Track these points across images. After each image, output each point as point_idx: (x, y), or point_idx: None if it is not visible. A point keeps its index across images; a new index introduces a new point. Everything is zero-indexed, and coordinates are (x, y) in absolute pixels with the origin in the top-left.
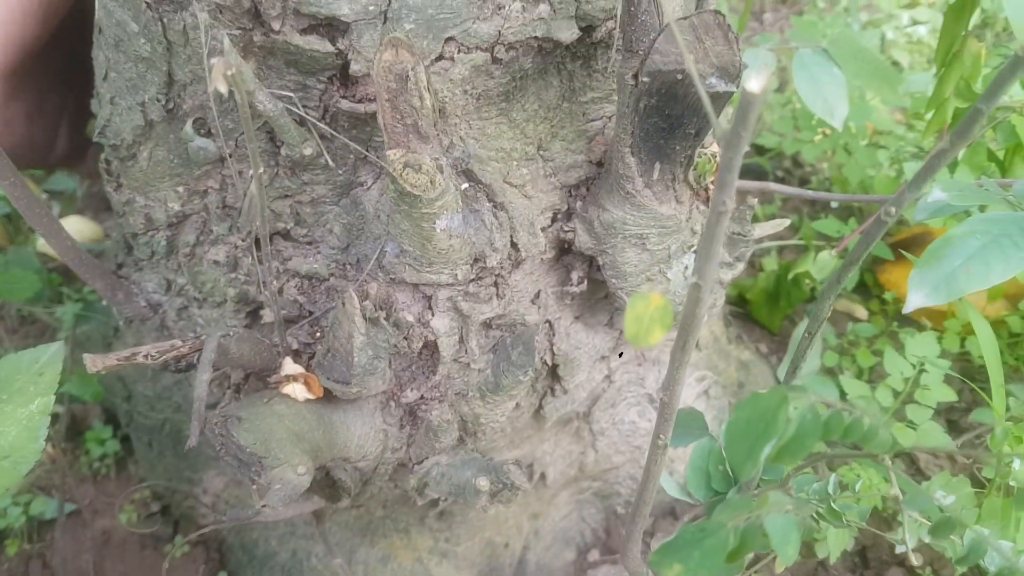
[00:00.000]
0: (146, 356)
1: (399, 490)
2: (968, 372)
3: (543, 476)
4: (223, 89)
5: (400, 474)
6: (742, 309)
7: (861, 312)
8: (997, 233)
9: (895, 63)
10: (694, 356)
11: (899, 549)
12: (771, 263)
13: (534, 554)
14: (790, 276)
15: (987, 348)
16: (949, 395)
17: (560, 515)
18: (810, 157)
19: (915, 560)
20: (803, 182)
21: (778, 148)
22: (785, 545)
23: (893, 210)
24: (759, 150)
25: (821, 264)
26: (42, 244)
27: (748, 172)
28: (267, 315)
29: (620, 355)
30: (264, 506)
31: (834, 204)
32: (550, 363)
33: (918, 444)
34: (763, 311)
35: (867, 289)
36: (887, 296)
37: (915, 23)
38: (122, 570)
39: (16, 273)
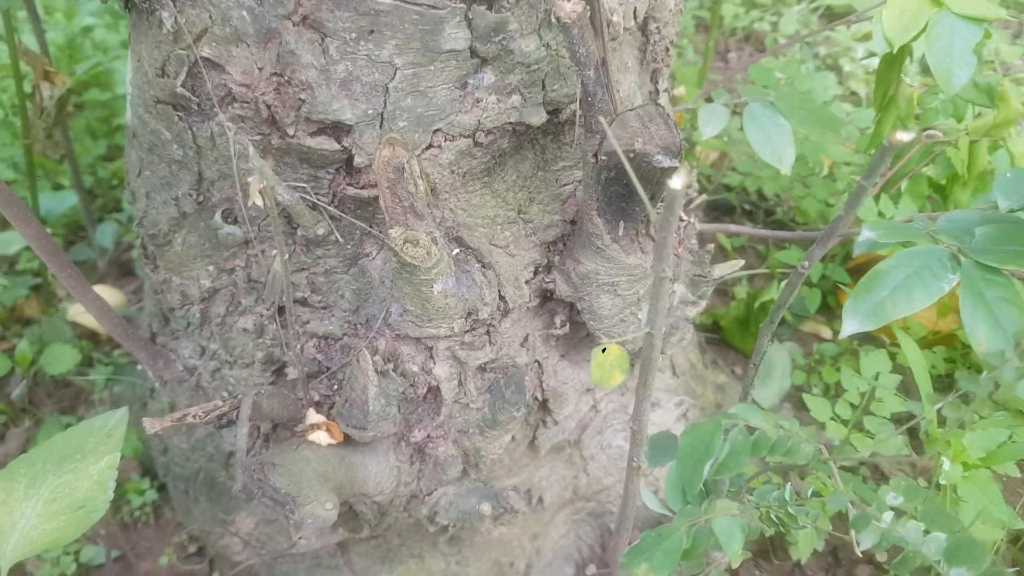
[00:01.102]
0: (194, 416)
1: (413, 519)
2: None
3: (540, 500)
4: (259, 203)
5: (413, 505)
6: (716, 335)
7: (826, 332)
8: (919, 266)
9: (853, 93)
10: (672, 382)
11: (863, 548)
12: (741, 291)
13: (536, 571)
14: (757, 303)
15: (914, 363)
16: (901, 406)
17: (559, 534)
18: (770, 191)
19: (881, 556)
20: (768, 213)
21: (741, 185)
22: (731, 543)
23: (807, 263)
24: (726, 187)
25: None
26: (72, 313)
27: (717, 207)
28: (291, 372)
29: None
30: (300, 538)
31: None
32: (540, 398)
33: (876, 451)
34: (736, 336)
35: (831, 310)
36: None
37: (871, 55)
38: None
39: (56, 347)
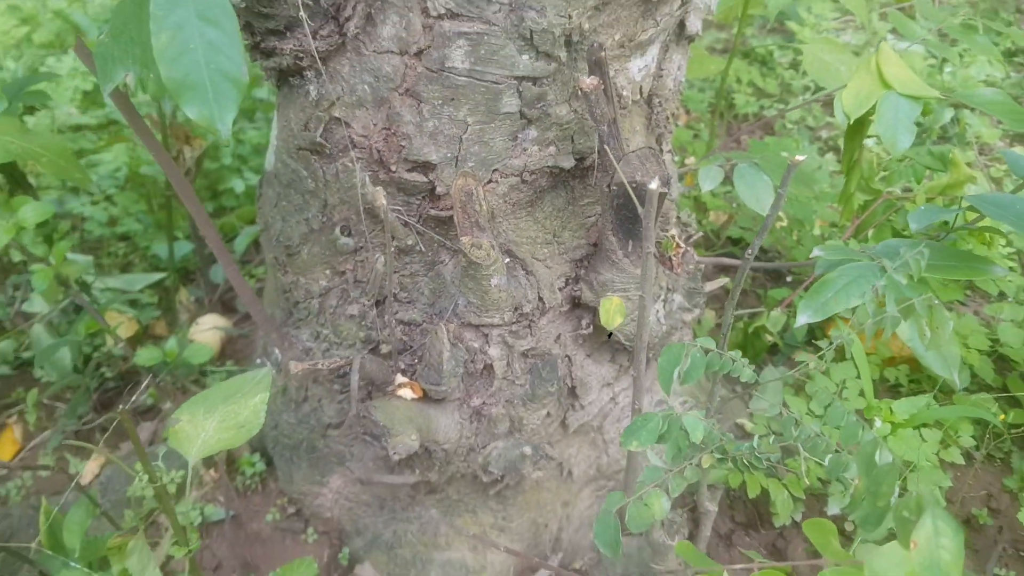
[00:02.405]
0: (323, 366)
1: (470, 470)
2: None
3: (570, 472)
4: (383, 201)
5: (471, 456)
6: None
7: (811, 359)
8: (856, 275)
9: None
10: (678, 387)
11: (831, 512)
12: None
13: (567, 534)
14: (751, 328)
15: (858, 355)
16: (861, 403)
17: (584, 506)
18: (767, 243)
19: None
20: (768, 260)
21: (741, 237)
22: (695, 431)
23: (751, 251)
24: (733, 241)
25: (774, 320)
26: (192, 332)
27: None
28: (383, 348)
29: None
30: (394, 453)
31: (788, 277)
32: (570, 385)
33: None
34: None
35: (815, 337)
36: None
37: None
38: (268, 555)
39: (196, 345)
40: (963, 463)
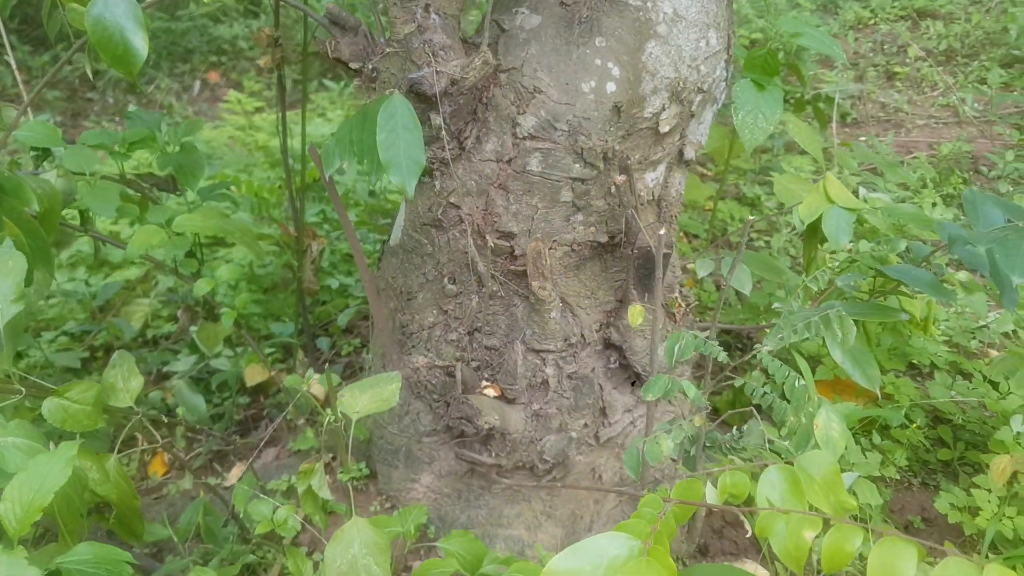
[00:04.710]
0: (437, 367)
1: (530, 459)
2: None
3: (600, 476)
4: (482, 270)
5: (531, 448)
6: (715, 415)
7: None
8: (803, 318)
9: None
10: (669, 407)
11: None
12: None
13: (597, 527)
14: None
15: (800, 362)
16: None
17: (611, 506)
18: (740, 321)
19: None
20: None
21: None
22: (689, 390)
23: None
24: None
25: (750, 386)
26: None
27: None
28: (473, 364)
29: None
30: (485, 422)
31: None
32: (601, 406)
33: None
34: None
35: None
36: None
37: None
38: None
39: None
40: (898, 478)
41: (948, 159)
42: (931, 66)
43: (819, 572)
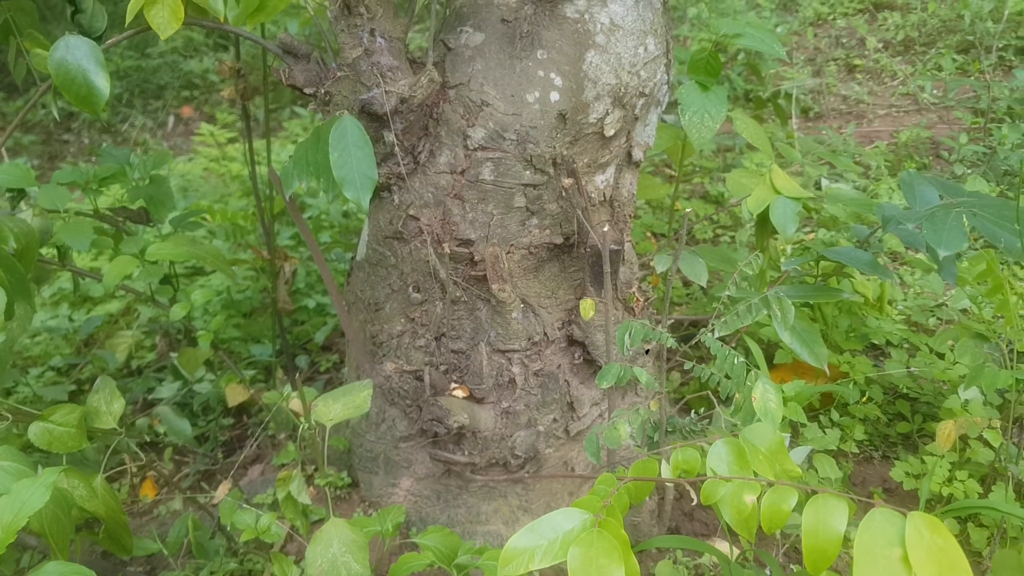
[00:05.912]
0: (406, 371)
1: (502, 456)
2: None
3: (572, 468)
4: (444, 276)
5: (502, 444)
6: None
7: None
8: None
9: None
10: (636, 398)
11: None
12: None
13: None
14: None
15: (752, 347)
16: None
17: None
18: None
19: None
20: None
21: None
22: (641, 376)
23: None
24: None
25: (698, 369)
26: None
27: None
28: (441, 368)
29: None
30: (455, 422)
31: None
32: (568, 401)
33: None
34: (695, 403)
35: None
36: None
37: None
38: None
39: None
40: (858, 452)
41: (907, 146)
42: (890, 57)
43: (783, 548)
